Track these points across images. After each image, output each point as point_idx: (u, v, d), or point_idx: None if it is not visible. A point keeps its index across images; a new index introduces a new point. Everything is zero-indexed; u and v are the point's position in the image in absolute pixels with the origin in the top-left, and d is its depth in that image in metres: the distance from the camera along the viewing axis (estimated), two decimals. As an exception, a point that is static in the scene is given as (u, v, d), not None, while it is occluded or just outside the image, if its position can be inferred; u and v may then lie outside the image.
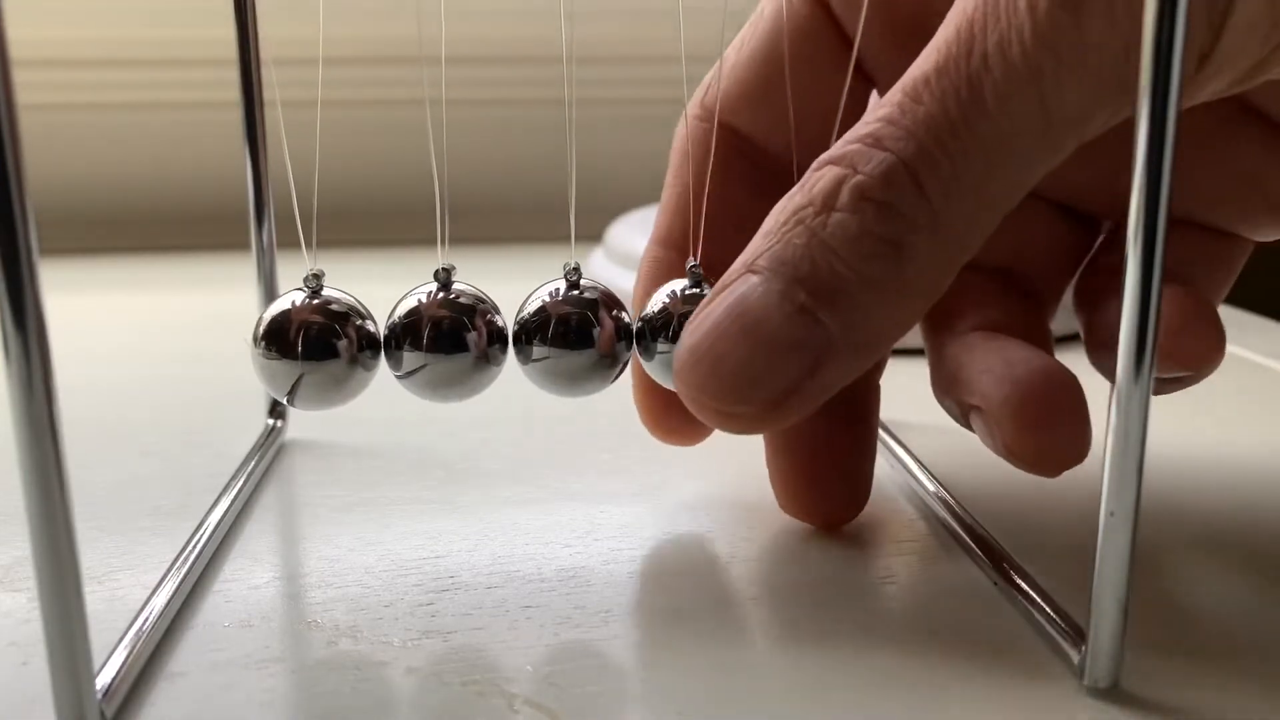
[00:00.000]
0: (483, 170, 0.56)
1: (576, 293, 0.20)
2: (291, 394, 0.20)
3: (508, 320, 0.21)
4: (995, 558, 0.20)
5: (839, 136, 0.18)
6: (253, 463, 0.24)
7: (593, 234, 0.43)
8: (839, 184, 0.17)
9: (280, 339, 0.20)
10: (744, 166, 0.22)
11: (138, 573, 0.20)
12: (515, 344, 0.20)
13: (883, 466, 0.26)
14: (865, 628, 0.19)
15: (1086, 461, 0.19)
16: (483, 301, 0.20)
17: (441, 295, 0.20)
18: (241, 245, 0.27)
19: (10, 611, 0.19)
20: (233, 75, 0.25)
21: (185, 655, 0.18)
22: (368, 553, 0.21)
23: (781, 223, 0.17)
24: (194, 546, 0.20)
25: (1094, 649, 0.16)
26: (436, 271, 0.20)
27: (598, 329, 0.20)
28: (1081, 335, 0.22)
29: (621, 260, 0.40)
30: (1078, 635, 0.17)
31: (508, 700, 0.16)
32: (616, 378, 0.21)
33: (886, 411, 0.28)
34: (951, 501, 0.22)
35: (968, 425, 0.20)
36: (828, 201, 0.17)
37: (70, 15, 0.52)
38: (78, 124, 0.53)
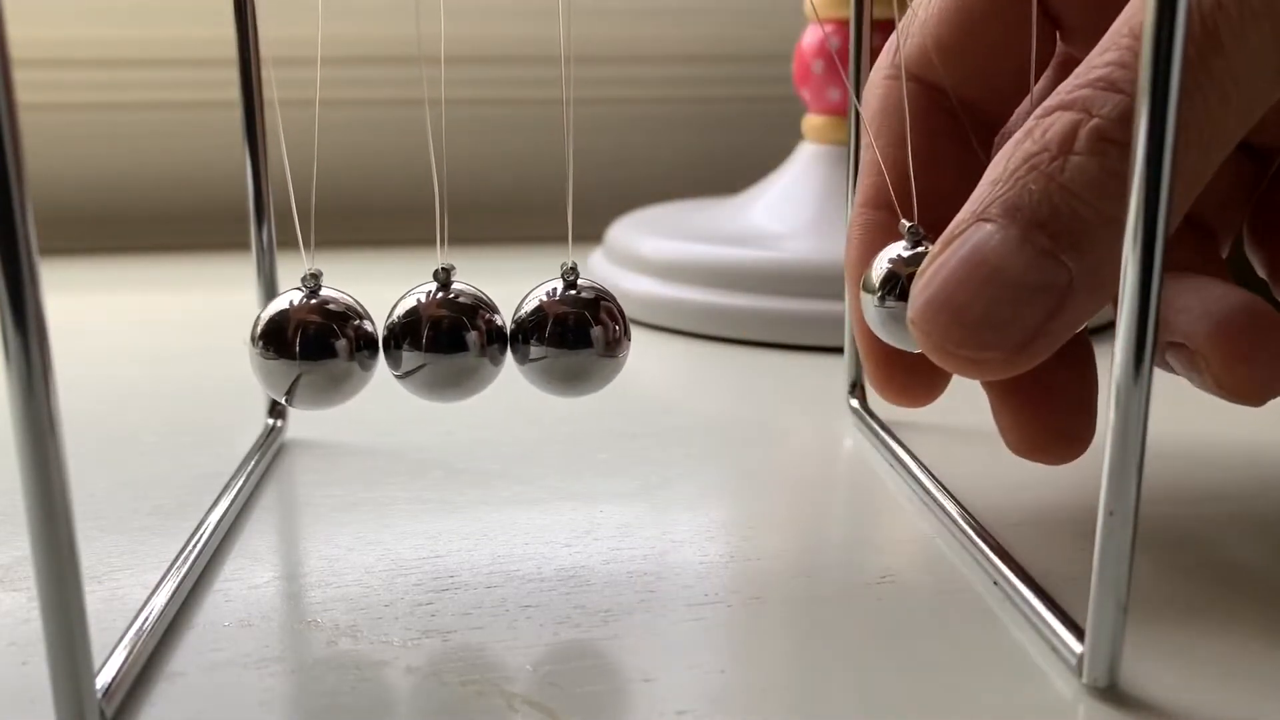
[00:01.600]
0: (482, 170, 0.56)
1: (574, 292, 0.20)
2: (290, 394, 0.20)
3: (506, 320, 0.21)
4: (995, 557, 0.20)
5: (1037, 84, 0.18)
6: (253, 462, 0.24)
7: (593, 234, 0.43)
8: (1074, 128, 0.17)
9: (278, 339, 0.20)
10: (942, 119, 0.23)
11: (137, 572, 0.20)
12: (513, 343, 0.20)
13: (883, 466, 0.26)
14: (865, 627, 0.19)
15: (1086, 460, 0.19)
16: (482, 301, 0.20)
17: (441, 295, 0.20)
18: (241, 245, 0.27)
19: (10, 611, 0.19)
20: (233, 75, 0.25)
21: (185, 655, 0.18)
22: (367, 552, 0.21)
23: (1012, 170, 0.18)
24: (194, 546, 0.20)
25: (1093, 648, 0.16)
26: (436, 271, 0.20)
27: (596, 329, 0.20)
28: (1263, 272, 0.22)
29: (621, 260, 0.40)
30: (1077, 634, 0.17)
31: (507, 700, 0.16)
32: (613, 378, 0.21)
33: (886, 412, 0.28)
34: (951, 501, 0.22)
35: (1164, 365, 0.20)
36: (1064, 146, 0.17)
37: (70, 15, 0.52)
38: (78, 124, 0.53)
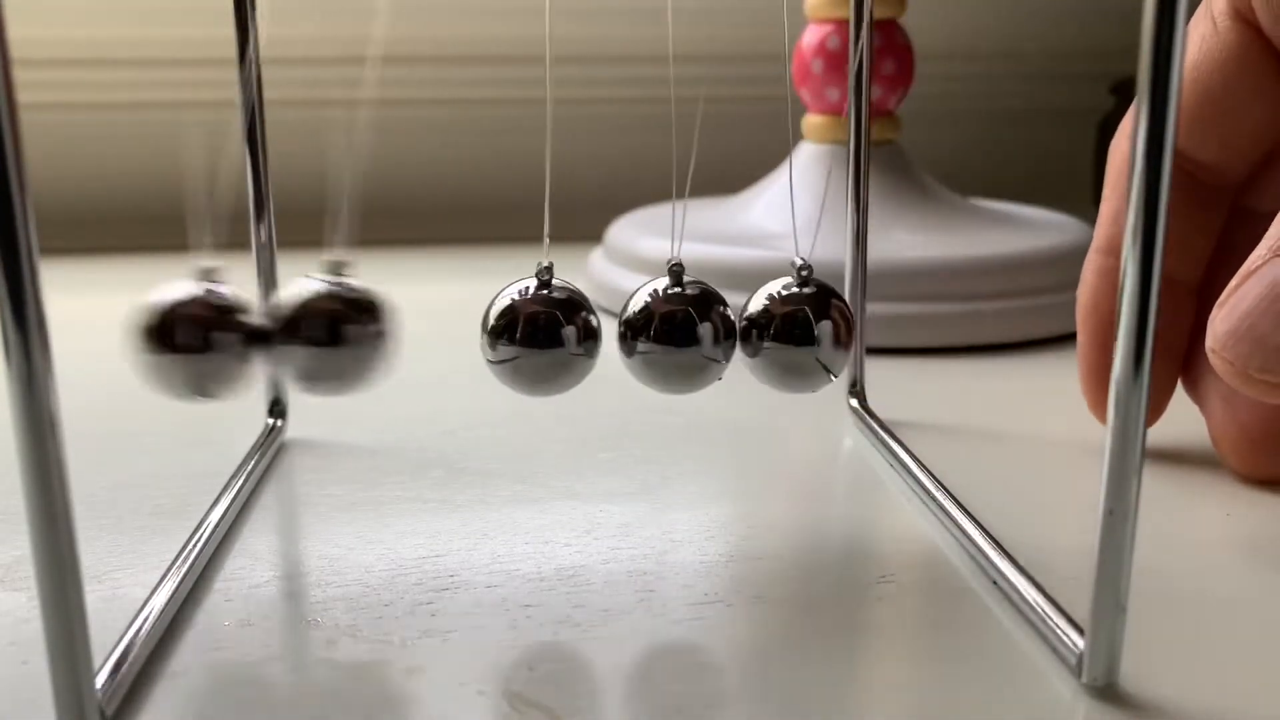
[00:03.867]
0: (486, 170, 0.56)
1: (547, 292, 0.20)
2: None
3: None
4: (995, 557, 0.20)
5: None
6: (253, 462, 0.24)
7: (593, 234, 0.43)
8: None
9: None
10: (1180, 179, 0.24)
11: (138, 572, 0.20)
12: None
13: (883, 466, 0.26)
14: (865, 627, 0.19)
15: (1086, 459, 0.19)
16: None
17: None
18: (241, 245, 0.27)
19: (10, 611, 0.19)
20: (233, 75, 0.25)
21: (185, 654, 0.18)
22: (367, 552, 0.21)
23: None
24: (194, 545, 0.20)
25: (1093, 647, 0.16)
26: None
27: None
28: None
29: (621, 260, 0.40)
30: (1077, 633, 0.17)
31: (508, 700, 0.16)
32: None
33: (886, 411, 0.28)
34: (951, 501, 0.22)
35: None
36: None
37: (70, 15, 0.52)
38: (78, 124, 0.53)
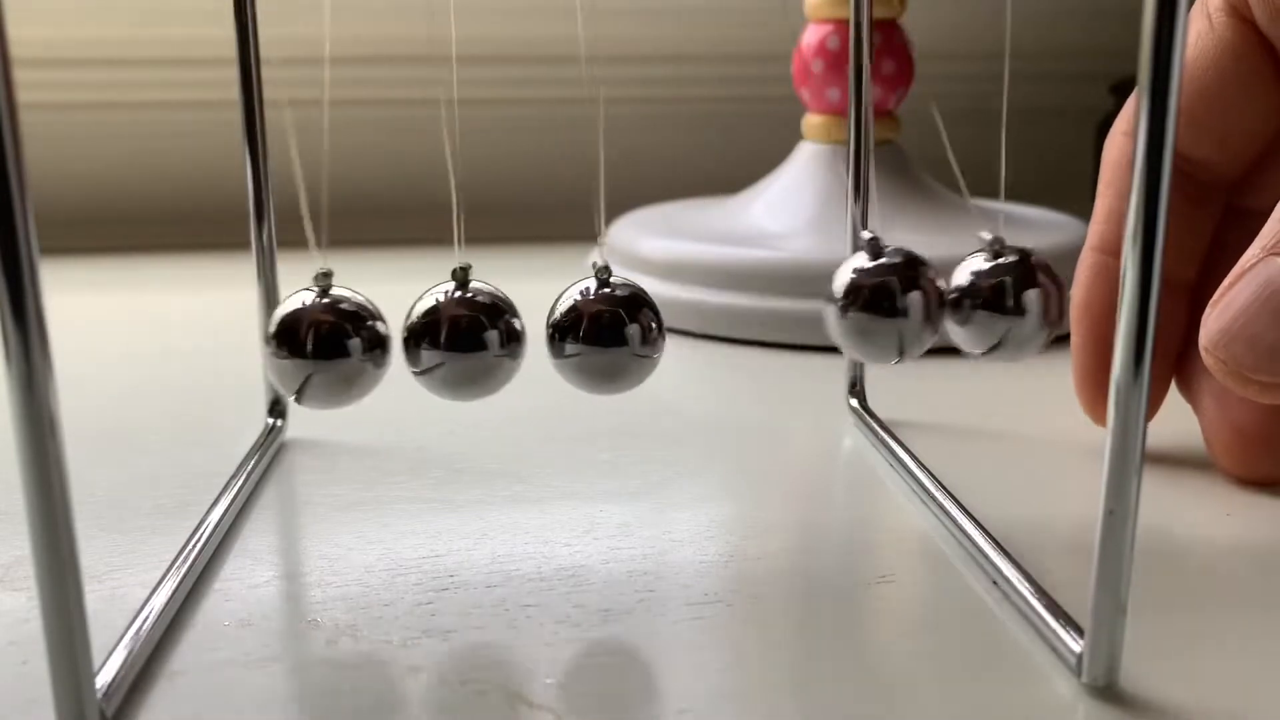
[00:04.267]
0: (490, 169, 0.56)
1: (609, 291, 0.20)
2: (300, 393, 0.20)
3: (528, 320, 0.21)
4: (995, 556, 0.20)
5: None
6: (253, 462, 0.24)
7: (593, 234, 0.43)
8: None
9: (291, 338, 0.20)
10: (1174, 176, 0.24)
11: (137, 571, 0.20)
12: (550, 342, 0.20)
13: (883, 466, 0.26)
14: (865, 627, 0.19)
15: (1086, 459, 0.19)
16: (501, 300, 0.20)
17: (459, 294, 0.20)
18: (241, 245, 0.27)
19: (10, 611, 0.19)
20: (233, 75, 0.25)
21: (185, 654, 0.18)
22: (367, 552, 0.21)
23: None
24: (194, 545, 0.20)
25: (1092, 647, 0.16)
26: (454, 270, 0.20)
27: (631, 327, 0.20)
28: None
29: (621, 260, 0.40)
30: (1076, 634, 0.17)
31: (507, 699, 0.16)
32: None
33: (886, 411, 0.28)
34: (951, 501, 0.22)
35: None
36: None
37: (70, 15, 0.52)
38: (78, 124, 0.53)
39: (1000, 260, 0.21)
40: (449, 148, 0.20)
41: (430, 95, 0.20)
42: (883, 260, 0.21)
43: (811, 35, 0.39)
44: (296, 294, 0.20)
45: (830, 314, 0.21)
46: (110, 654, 0.16)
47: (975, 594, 0.20)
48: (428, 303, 0.20)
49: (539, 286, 0.23)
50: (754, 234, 0.38)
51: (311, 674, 0.17)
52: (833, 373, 0.30)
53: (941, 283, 0.21)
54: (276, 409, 0.27)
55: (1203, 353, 0.21)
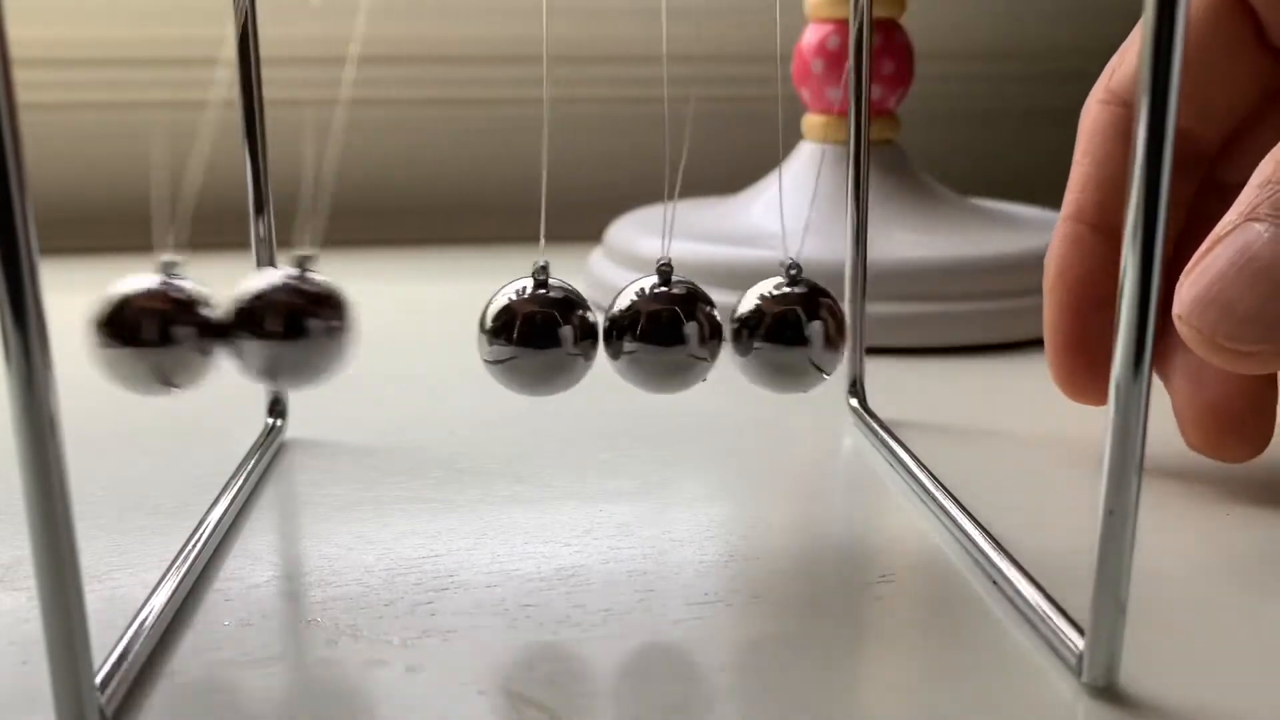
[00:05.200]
0: (482, 170, 0.56)
1: (666, 288, 0.20)
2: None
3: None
4: (995, 556, 0.20)
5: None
6: (252, 462, 0.24)
7: (593, 234, 0.43)
8: None
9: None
10: None
11: (137, 571, 0.20)
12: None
13: (883, 466, 0.26)
14: (864, 626, 0.19)
15: (1086, 459, 0.19)
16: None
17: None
18: (241, 245, 0.27)
19: (10, 611, 0.19)
20: (233, 75, 0.25)
21: (185, 654, 0.18)
22: (367, 551, 0.21)
23: None
24: (194, 545, 0.20)
25: (1092, 647, 0.16)
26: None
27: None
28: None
29: (621, 260, 0.40)
30: (1077, 633, 0.17)
31: (508, 699, 0.16)
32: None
33: (886, 411, 0.28)
34: (951, 501, 0.22)
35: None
36: None
37: (70, 15, 0.52)
38: (78, 124, 0.53)
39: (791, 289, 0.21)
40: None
41: (429, 95, 0.20)
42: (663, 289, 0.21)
43: (811, 35, 0.40)
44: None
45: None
46: (110, 654, 0.16)
47: (975, 594, 0.20)
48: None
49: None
50: (754, 234, 0.38)
51: (311, 674, 0.17)
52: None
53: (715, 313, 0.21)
54: (276, 409, 0.27)
55: (1176, 320, 0.20)
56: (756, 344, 0.20)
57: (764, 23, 0.55)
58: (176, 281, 0.19)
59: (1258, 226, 0.19)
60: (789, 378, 0.21)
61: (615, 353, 0.20)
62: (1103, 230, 0.24)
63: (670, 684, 0.17)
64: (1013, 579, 0.19)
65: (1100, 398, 0.25)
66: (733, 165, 0.48)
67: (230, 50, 0.24)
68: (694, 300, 0.20)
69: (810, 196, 0.39)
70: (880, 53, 0.38)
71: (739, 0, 0.56)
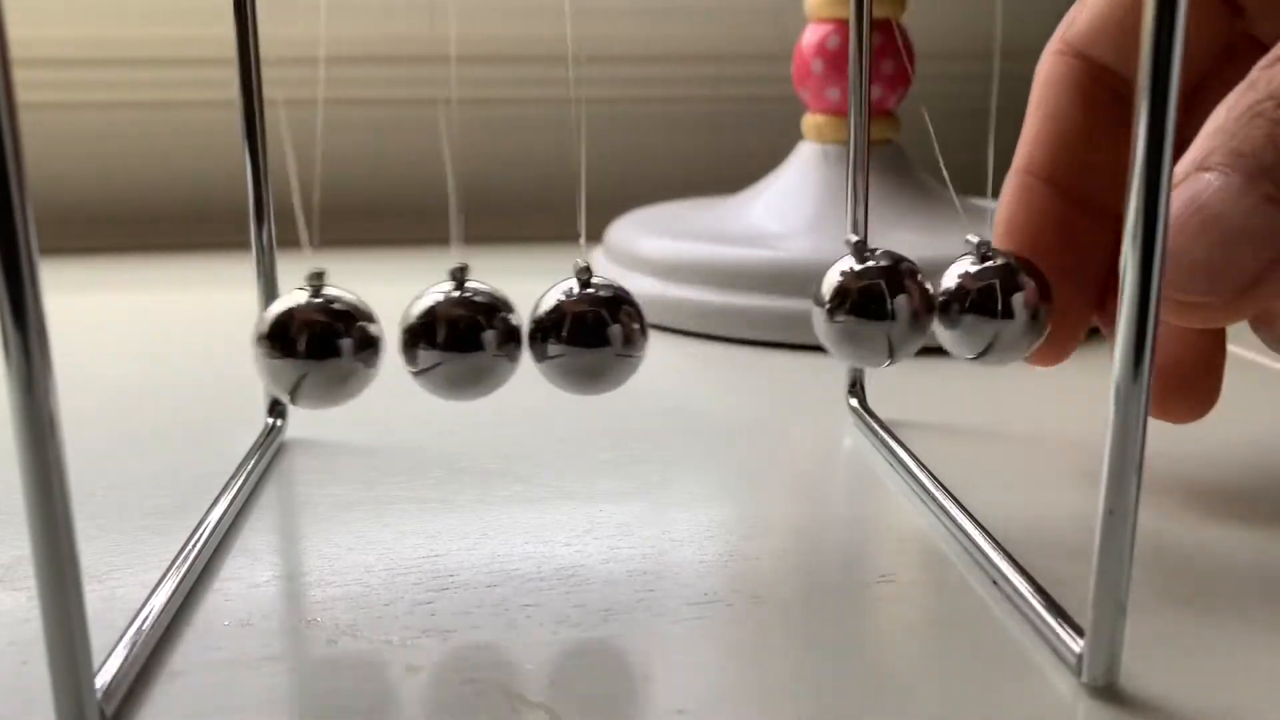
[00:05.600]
0: (483, 169, 0.56)
1: (591, 291, 0.20)
2: (294, 393, 0.20)
3: (523, 318, 0.20)
4: (995, 556, 0.20)
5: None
6: (252, 461, 0.24)
7: (592, 234, 0.43)
8: None
9: (283, 338, 0.20)
10: (1104, 96, 0.23)
11: (137, 571, 0.20)
12: (531, 342, 0.20)
13: (883, 466, 0.26)
14: (864, 626, 0.19)
15: (1086, 459, 0.19)
16: (498, 300, 0.20)
17: (457, 294, 0.20)
18: (241, 245, 0.27)
19: (10, 611, 0.19)
20: (232, 75, 0.25)
21: (185, 654, 0.18)
22: (367, 551, 0.21)
23: (1234, 119, 0.18)
24: (193, 545, 0.20)
25: (1092, 647, 0.16)
26: (451, 270, 0.20)
27: (613, 327, 0.20)
28: None
29: (621, 260, 0.40)
30: (1076, 634, 0.17)
31: (507, 699, 0.16)
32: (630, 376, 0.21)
33: (886, 411, 0.28)
34: (951, 501, 0.22)
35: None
36: None
37: (70, 15, 0.52)
38: (78, 124, 0.53)
39: (987, 264, 0.21)
40: (447, 147, 0.20)
41: (427, 95, 0.20)
42: (870, 264, 0.21)
43: (811, 35, 0.40)
44: (289, 293, 0.20)
45: (818, 317, 0.21)
46: (110, 654, 0.16)
47: (975, 594, 0.20)
48: (425, 302, 0.20)
49: (538, 286, 0.23)
50: (754, 234, 0.39)
51: (311, 674, 0.17)
52: (833, 373, 0.30)
53: (929, 285, 0.21)
54: (276, 409, 0.27)
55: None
56: (965, 316, 0.21)
57: (764, 23, 0.55)
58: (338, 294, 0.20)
59: (1207, 176, 0.18)
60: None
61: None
62: (1054, 184, 0.23)
63: (670, 684, 0.17)
64: (1013, 579, 0.19)
65: (1055, 355, 0.24)
66: (733, 165, 0.48)
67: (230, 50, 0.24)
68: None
69: (810, 196, 0.39)
70: (880, 53, 0.38)
71: (739, 0, 0.56)
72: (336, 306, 0.20)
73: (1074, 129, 0.23)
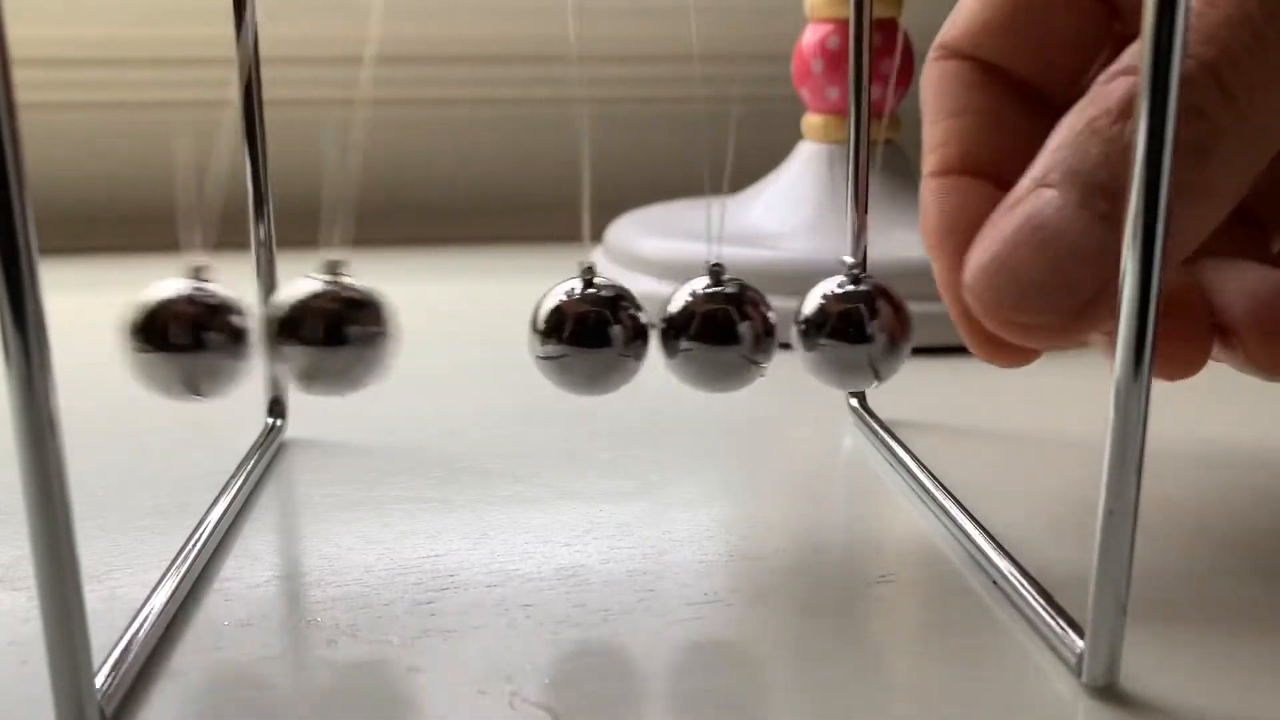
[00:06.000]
0: (483, 169, 0.56)
1: (594, 291, 0.20)
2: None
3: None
4: (995, 557, 0.20)
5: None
6: (252, 461, 0.24)
7: (592, 234, 0.43)
8: (1136, 91, 0.17)
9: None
10: (999, 87, 0.23)
11: (137, 571, 0.20)
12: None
13: (883, 466, 0.26)
14: (864, 626, 0.19)
15: (1086, 459, 0.19)
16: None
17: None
18: (241, 245, 0.27)
19: (10, 610, 0.19)
20: (233, 75, 0.25)
21: (185, 654, 0.18)
22: (367, 551, 0.21)
23: (1074, 135, 0.18)
24: (193, 545, 0.20)
25: (1093, 647, 0.16)
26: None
27: (616, 327, 0.20)
28: None
29: (621, 260, 0.40)
30: (1077, 634, 0.17)
31: (507, 699, 0.16)
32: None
33: (886, 411, 0.28)
34: (951, 501, 0.22)
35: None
36: (1125, 110, 0.17)
37: (70, 15, 0.52)
38: (78, 124, 0.53)
39: (851, 288, 0.21)
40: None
41: (430, 95, 0.20)
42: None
43: (811, 35, 0.40)
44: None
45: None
46: (110, 654, 0.16)
47: (975, 594, 0.20)
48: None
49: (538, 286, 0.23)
50: (754, 234, 0.38)
51: (311, 674, 0.17)
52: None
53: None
54: (276, 409, 0.27)
55: (965, 293, 0.19)
56: (822, 340, 0.21)
57: (765, 22, 0.55)
58: (207, 286, 0.19)
59: (1048, 193, 0.18)
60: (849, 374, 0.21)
61: (671, 352, 0.20)
62: (978, 174, 0.22)
63: (670, 684, 0.17)
64: (1013, 579, 0.19)
65: (1015, 355, 0.23)
66: (733, 165, 0.48)
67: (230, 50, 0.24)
68: (748, 301, 0.21)
69: (810, 196, 0.39)
70: (880, 53, 0.38)
71: (739, 0, 0.56)
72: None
73: (979, 119, 0.22)
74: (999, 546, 0.20)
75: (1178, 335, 0.20)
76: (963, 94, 0.22)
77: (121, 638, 0.17)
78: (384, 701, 0.16)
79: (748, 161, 0.46)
